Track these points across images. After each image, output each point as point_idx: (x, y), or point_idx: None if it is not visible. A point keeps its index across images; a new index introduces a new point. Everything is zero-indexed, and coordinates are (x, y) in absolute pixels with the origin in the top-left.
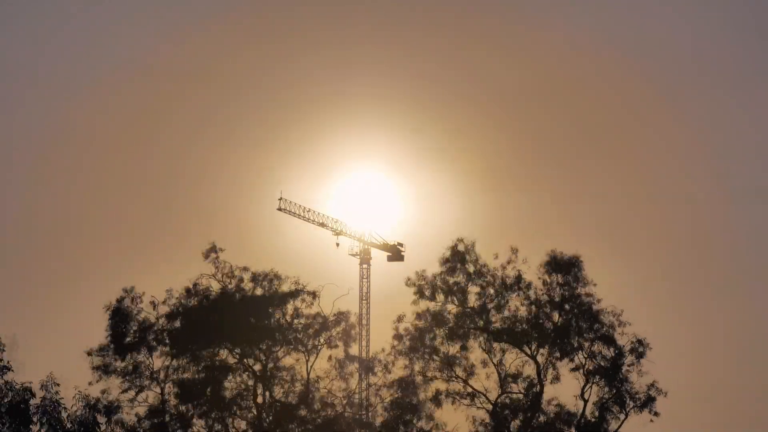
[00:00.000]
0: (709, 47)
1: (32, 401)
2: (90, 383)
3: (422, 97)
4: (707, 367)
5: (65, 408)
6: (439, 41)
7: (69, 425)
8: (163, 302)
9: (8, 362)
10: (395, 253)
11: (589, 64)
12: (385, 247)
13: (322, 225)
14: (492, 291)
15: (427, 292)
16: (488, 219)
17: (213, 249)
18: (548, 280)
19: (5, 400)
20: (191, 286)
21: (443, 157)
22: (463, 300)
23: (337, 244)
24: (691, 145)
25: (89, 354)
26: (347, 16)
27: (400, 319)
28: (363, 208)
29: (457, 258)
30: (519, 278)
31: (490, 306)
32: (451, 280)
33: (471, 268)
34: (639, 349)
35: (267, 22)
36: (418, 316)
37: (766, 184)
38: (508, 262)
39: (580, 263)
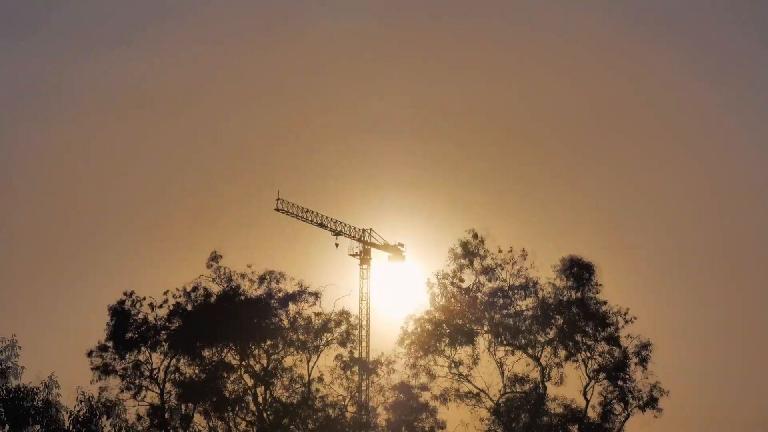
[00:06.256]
0: (715, 45)
1: (33, 401)
2: (91, 381)
3: (427, 100)
4: (711, 367)
5: (66, 409)
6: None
7: (69, 426)
8: (164, 302)
9: (8, 363)
10: (396, 254)
11: (606, 64)
12: (385, 247)
13: (321, 225)
14: (500, 293)
15: (438, 300)
16: (493, 218)
17: (215, 257)
18: (558, 284)
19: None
20: (191, 288)
21: (444, 155)
22: (471, 302)
23: (337, 245)
24: (701, 147)
25: (89, 355)
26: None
27: (407, 320)
28: (363, 208)
29: (467, 252)
30: (527, 280)
31: (497, 306)
32: (463, 285)
33: (478, 265)
34: (643, 353)
35: (268, 21)
36: (424, 319)
37: None
38: (517, 266)
39: (593, 269)
